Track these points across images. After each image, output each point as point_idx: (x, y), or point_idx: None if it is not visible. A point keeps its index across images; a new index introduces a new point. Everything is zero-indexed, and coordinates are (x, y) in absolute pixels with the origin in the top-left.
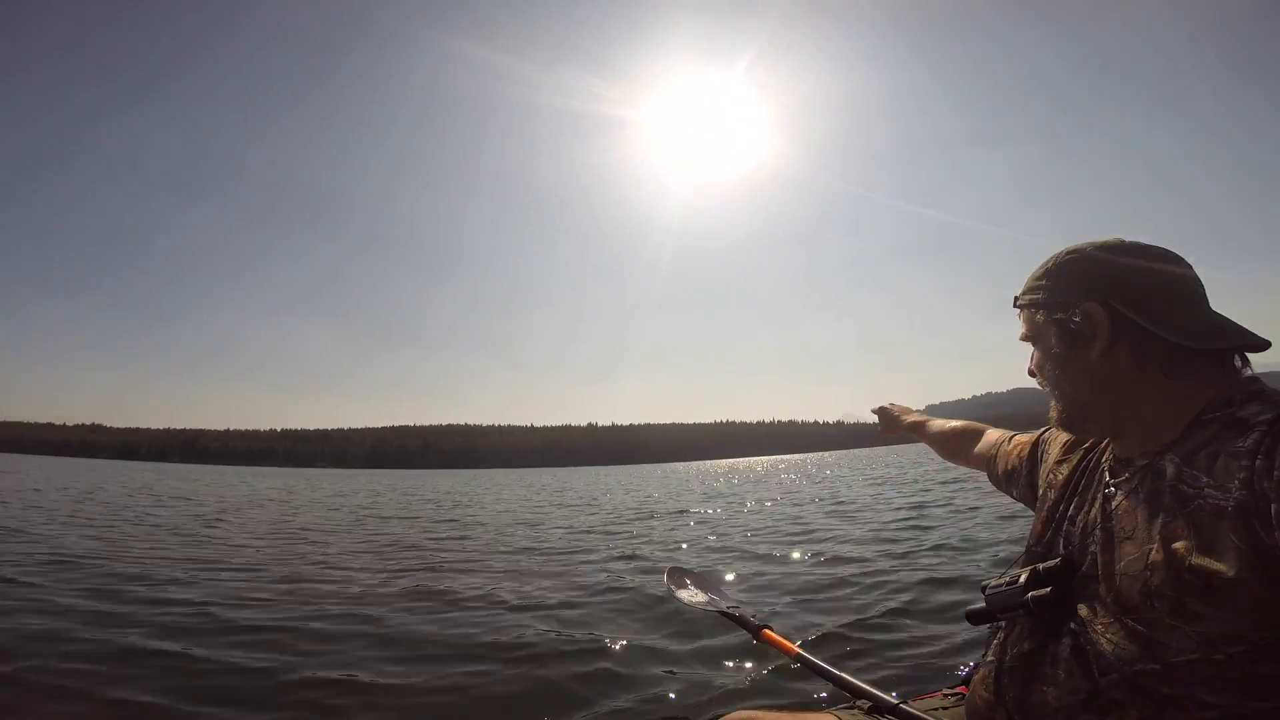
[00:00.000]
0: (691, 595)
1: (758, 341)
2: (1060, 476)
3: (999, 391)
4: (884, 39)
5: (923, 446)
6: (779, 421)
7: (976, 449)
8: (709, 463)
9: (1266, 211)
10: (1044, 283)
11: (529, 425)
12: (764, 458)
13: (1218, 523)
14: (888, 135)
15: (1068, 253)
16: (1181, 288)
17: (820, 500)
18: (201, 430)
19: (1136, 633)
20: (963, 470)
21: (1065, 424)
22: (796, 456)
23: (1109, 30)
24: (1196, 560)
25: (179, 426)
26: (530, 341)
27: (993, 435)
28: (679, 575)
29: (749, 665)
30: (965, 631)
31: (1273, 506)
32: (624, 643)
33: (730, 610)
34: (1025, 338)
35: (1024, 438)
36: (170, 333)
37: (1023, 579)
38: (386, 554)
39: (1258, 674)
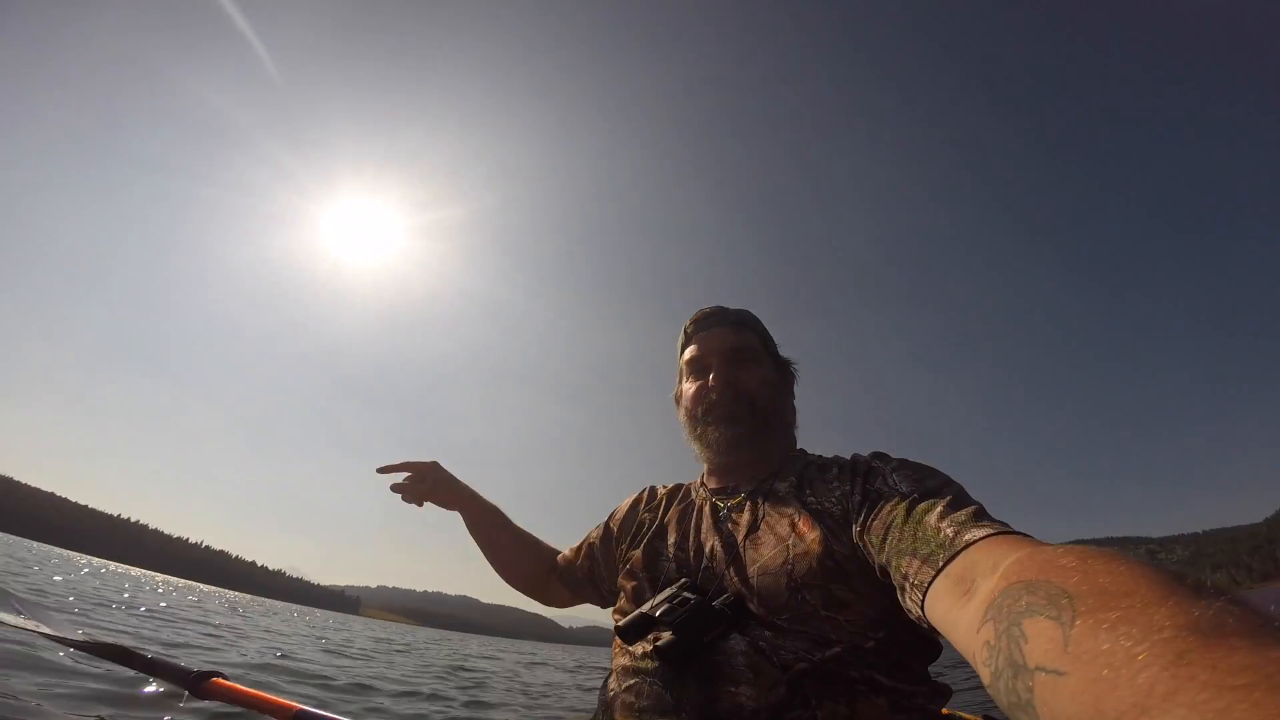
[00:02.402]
0: (46, 628)
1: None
2: (645, 521)
3: (448, 594)
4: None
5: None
6: (212, 549)
7: (533, 563)
8: None
9: None
10: (752, 320)
11: None
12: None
13: (832, 522)
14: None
15: (740, 310)
16: None
17: None
18: None
19: (795, 631)
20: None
21: (751, 435)
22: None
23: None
24: (833, 547)
25: None
26: None
27: (547, 551)
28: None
29: None
30: None
31: (854, 526)
32: None
33: (134, 650)
34: (737, 351)
35: (590, 537)
36: None
37: (661, 608)
38: None
39: (903, 655)
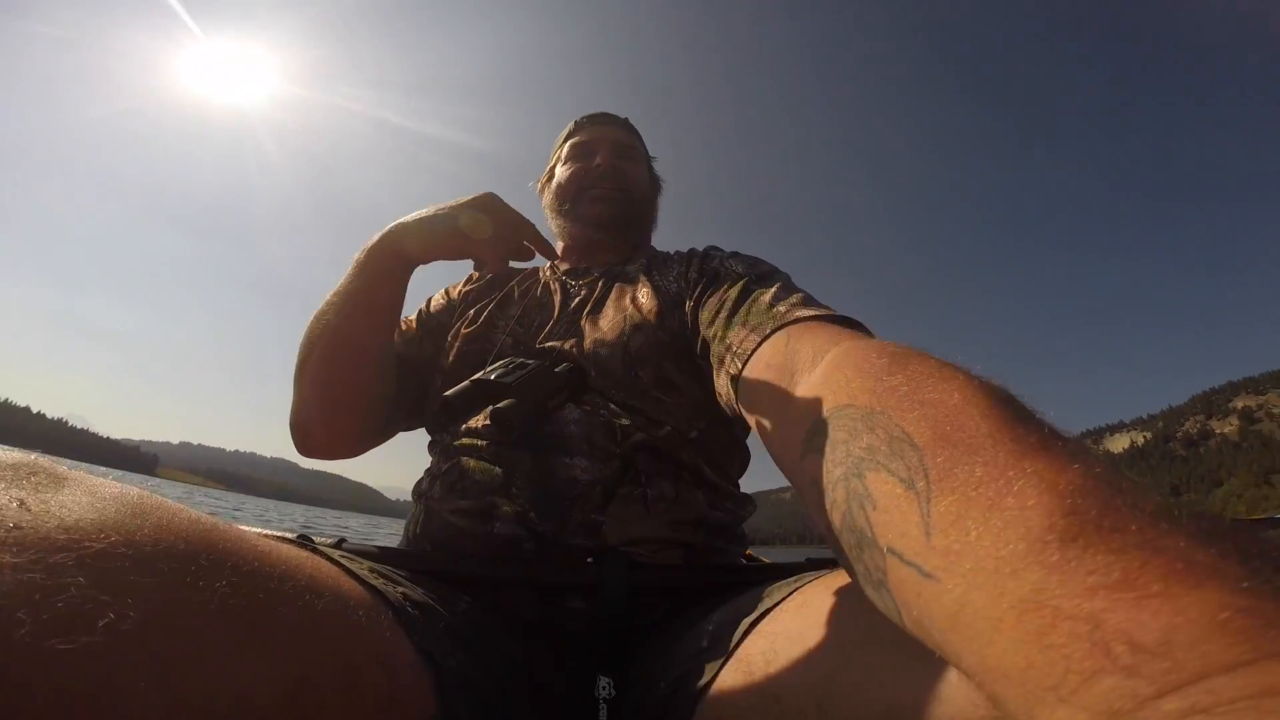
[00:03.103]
0: None
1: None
2: (472, 294)
3: (263, 455)
4: None
5: None
6: None
7: (375, 339)
8: None
9: None
10: (638, 132)
11: None
12: None
13: (669, 298)
14: None
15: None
16: None
17: None
18: None
19: (629, 406)
20: None
21: (623, 218)
22: None
23: None
24: (667, 320)
25: None
26: None
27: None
28: None
29: None
30: None
31: (688, 302)
32: None
33: None
34: (626, 147)
35: (428, 309)
36: None
37: (496, 372)
38: None
39: (720, 457)
